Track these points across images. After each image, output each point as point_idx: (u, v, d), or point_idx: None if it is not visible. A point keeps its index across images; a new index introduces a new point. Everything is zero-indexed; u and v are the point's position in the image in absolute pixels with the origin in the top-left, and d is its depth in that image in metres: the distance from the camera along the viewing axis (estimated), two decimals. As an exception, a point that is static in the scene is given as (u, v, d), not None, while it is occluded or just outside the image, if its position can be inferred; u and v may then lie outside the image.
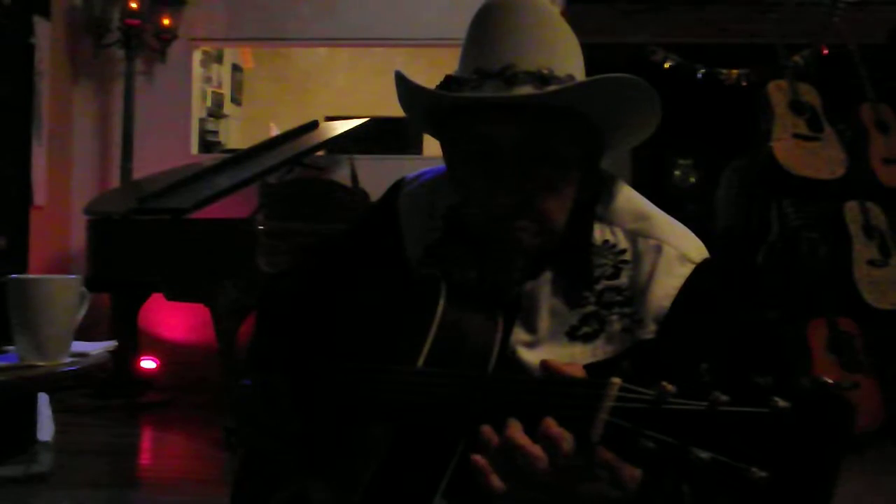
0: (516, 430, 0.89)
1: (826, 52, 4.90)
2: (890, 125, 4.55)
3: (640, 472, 0.88)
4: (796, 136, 4.39)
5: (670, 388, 0.78)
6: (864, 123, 4.53)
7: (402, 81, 1.18)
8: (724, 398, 0.76)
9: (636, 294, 1.14)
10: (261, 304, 1.48)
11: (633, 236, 1.18)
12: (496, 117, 1.12)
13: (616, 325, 1.15)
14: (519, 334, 1.17)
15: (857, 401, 4.02)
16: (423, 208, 1.32)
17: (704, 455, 0.75)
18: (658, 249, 1.15)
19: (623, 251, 1.17)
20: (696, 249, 1.17)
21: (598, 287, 1.16)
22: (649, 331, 1.13)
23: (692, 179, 5.65)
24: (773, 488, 0.74)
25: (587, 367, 1.04)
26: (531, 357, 1.14)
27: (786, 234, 4.35)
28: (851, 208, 4.39)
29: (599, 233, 1.19)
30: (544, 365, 0.93)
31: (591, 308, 1.16)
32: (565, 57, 1.15)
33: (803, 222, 4.25)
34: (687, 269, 1.15)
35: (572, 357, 1.11)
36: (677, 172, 5.66)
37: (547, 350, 1.13)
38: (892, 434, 4.07)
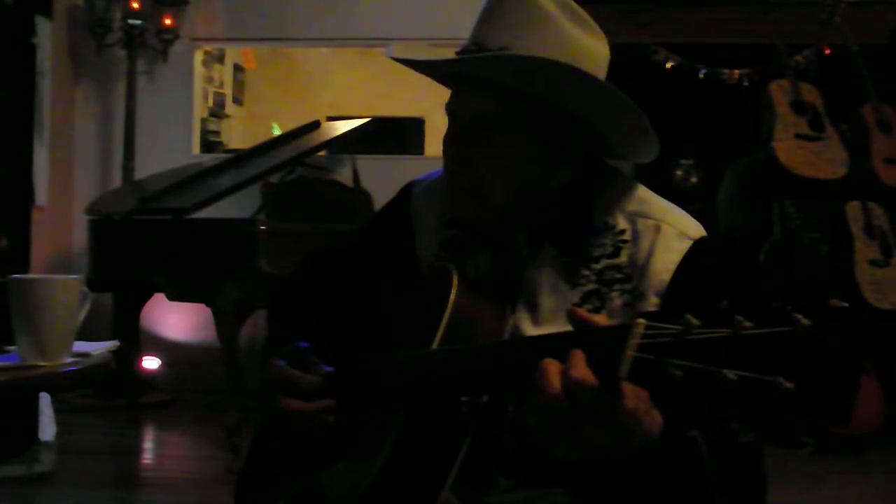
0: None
1: (828, 52, 4.89)
2: (892, 125, 4.55)
3: (660, 423, 0.90)
4: (798, 136, 4.38)
5: (695, 321, 0.80)
6: (865, 123, 4.52)
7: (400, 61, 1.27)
8: (748, 323, 0.77)
9: (636, 271, 1.18)
10: (273, 303, 1.49)
11: (633, 217, 1.21)
12: (462, 92, 1.22)
13: (617, 301, 1.18)
14: (522, 313, 1.20)
15: (858, 401, 4.01)
16: (435, 204, 1.35)
17: (732, 375, 0.76)
18: (657, 228, 1.19)
19: (622, 231, 1.20)
20: (695, 227, 1.21)
21: (599, 266, 1.20)
22: (650, 304, 1.16)
23: (694, 179, 5.64)
24: (799, 401, 0.75)
25: None
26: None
27: (787, 233, 4.35)
28: (853, 208, 4.38)
29: (599, 216, 1.22)
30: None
31: (592, 286, 1.19)
32: (534, 39, 1.17)
33: (805, 222, 4.24)
34: (685, 245, 1.18)
35: None
36: (679, 172, 5.64)
37: (549, 328, 1.16)
38: (893, 434, 4.07)
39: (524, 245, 1.23)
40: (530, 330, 1.19)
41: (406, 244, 1.36)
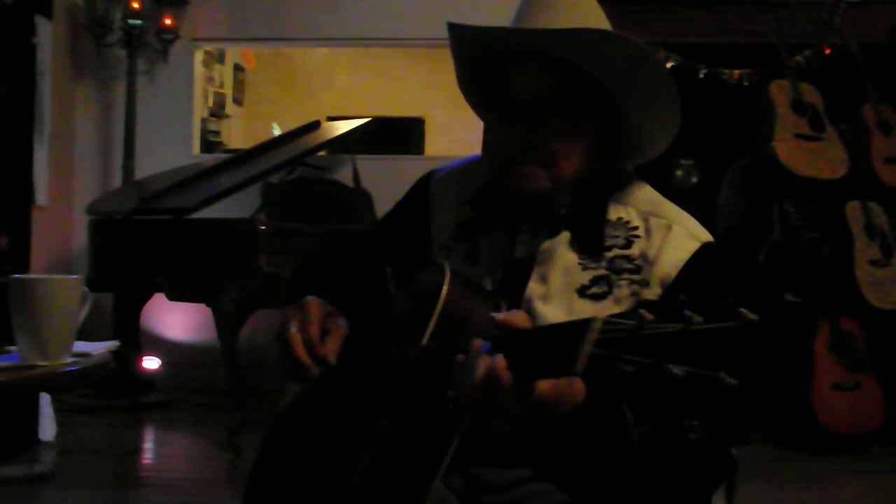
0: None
1: (828, 51, 4.89)
2: (892, 125, 4.55)
3: (581, 389, 0.97)
4: (798, 136, 4.38)
5: (649, 316, 0.83)
6: (865, 123, 4.52)
7: (452, 28, 1.30)
8: (698, 318, 0.81)
9: (646, 263, 1.24)
10: (291, 279, 1.51)
11: (646, 216, 1.29)
12: (520, 70, 1.26)
13: (625, 289, 1.24)
14: (534, 287, 1.26)
15: (859, 401, 4.02)
16: (455, 189, 1.41)
17: (678, 370, 0.80)
18: (668, 227, 1.27)
19: (635, 228, 1.28)
20: (703, 231, 1.29)
21: (610, 254, 1.26)
22: (654, 292, 1.22)
23: (694, 179, 5.63)
24: (742, 392, 0.80)
25: None
26: (545, 310, 1.24)
27: (788, 234, 4.35)
28: (853, 208, 4.39)
29: (614, 212, 1.30)
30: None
31: (602, 271, 1.25)
32: (602, 25, 1.28)
33: (805, 222, 4.24)
34: (694, 245, 1.25)
35: (581, 312, 1.21)
36: (679, 172, 5.63)
37: (557, 304, 1.24)
38: (893, 434, 4.07)
39: (544, 226, 1.29)
40: (540, 305, 1.24)
41: (421, 229, 1.40)
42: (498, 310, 1.18)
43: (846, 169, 4.38)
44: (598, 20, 1.29)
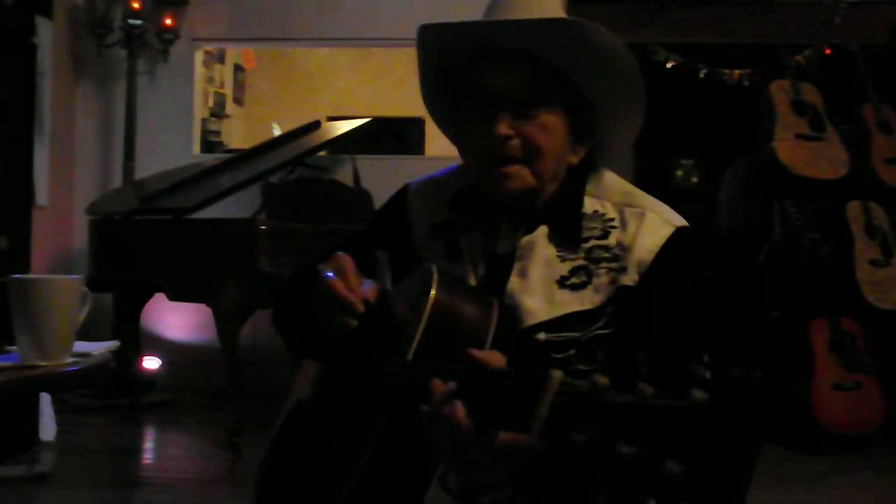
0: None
1: (828, 52, 4.89)
2: (892, 125, 4.55)
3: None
4: (798, 136, 4.38)
5: (604, 381, 0.84)
6: (866, 123, 4.52)
7: (425, 28, 1.38)
8: (650, 391, 0.81)
9: (623, 251, 1.28)
10: (281, 292, 1.51)
11: (621, 207, 1.32)
12: (495, 69, 1.28)
13: (603, 277, 1.28)
14: (514, 282, 1.29)
15: (859, 401, 4.02)
16: (432, 196, 1.44)
17: (628, 449, 0.81)
18: (642, 215, 1.30)
19: (612, 219, 1.32)
20: (677, 217, 1.33)
21: (588, 245, 1.30)
22: (631, 278, 1.26)
23: (694, 179, 5.64)
24: (689, 480, 0.79)
25: (575, 314, 1.25)
26: (527, 302, 1.27)
27: (788, 233, 4.35)
28: (853, 208, 4.39)
29: (590, 205, 1.33)
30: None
31: (580, 262, 1.29)
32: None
33: (805, 222, 4.24)
34: (668, 231, 1.29)
35: (562, 302, 1.26)
36: (679, 172, 5.65)
37: (538, 296, 1.27)
38: (893, 434, 4.07)
39: (523, 222, 1.32)
40: (522, 298, 1.27)
41: (402, 238, 1.41)
42: (491, 308, 1.19)
43: (846, 169, 4.38)
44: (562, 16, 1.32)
